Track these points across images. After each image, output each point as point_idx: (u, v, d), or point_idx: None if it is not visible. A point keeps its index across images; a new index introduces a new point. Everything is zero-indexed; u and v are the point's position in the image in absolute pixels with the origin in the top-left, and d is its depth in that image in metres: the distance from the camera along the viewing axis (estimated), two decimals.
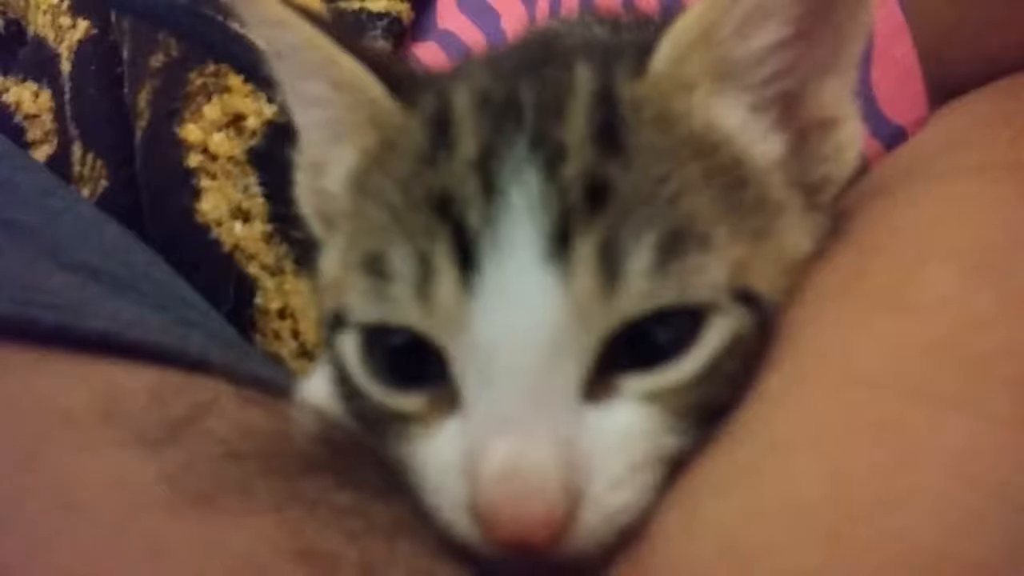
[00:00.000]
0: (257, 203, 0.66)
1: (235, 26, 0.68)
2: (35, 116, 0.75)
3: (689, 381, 0.33)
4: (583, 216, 0.32)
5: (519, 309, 0.32)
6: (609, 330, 0.33)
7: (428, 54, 0.73)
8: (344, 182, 0.41)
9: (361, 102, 0.40)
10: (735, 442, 0.33)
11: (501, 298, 0.32)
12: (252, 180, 0.66)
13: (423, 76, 0.42)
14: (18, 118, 0.75)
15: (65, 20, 0.75)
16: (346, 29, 0.43)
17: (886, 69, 0.53)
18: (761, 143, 0.38)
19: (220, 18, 0.68)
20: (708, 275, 0.33)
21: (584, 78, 0.36)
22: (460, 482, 0.32)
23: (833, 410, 0.31)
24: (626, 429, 0.33)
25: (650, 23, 0.52)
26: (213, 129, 0.66)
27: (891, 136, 0.52)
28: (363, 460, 0.35)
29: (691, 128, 0.36)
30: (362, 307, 0.36)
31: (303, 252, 0.66)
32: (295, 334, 0.64)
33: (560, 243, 0.32)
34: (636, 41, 0.42)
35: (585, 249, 0.32)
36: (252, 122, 0.66)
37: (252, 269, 0.65)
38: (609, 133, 0.34)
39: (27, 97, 0.75)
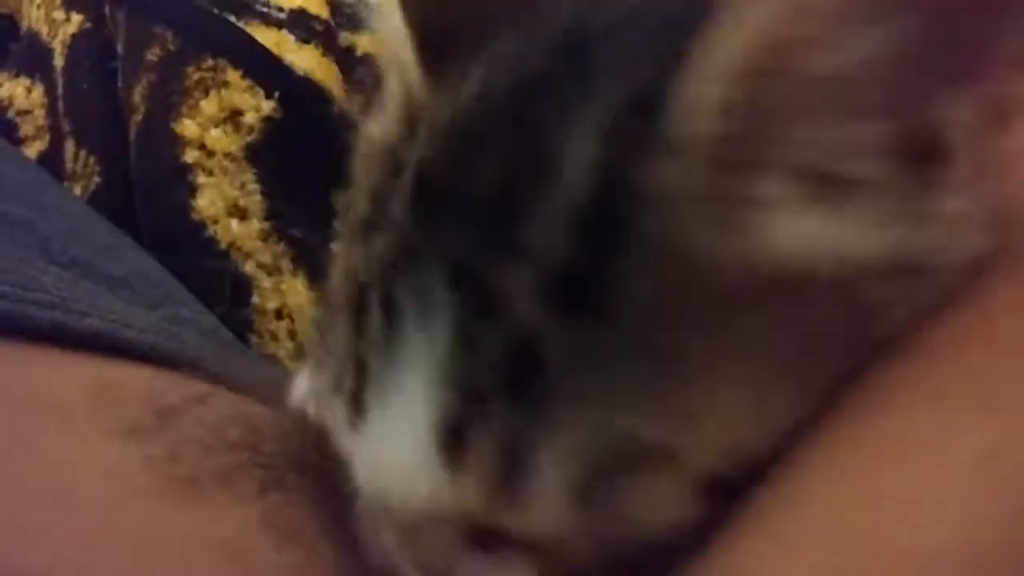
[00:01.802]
0: (254, 200, 0.65)
1: (232, 19, 0.67)
2: (28, 112, 0.74)
3: None
4: (493, 406, 0.23)
5: (396, 484, 0.25)
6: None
7: None
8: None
9: (394, 63, 0.30)
10: None
11: (379, 466, 0.26)
12: (249, 177, 0.65)
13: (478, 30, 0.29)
14: (10, 114, 0.74)
15: (59, 14, 0.74)
16: None
17: None
18: (853, 244, 0.24)
19: (217, 11, 0.67)
20: (661, 500, 0.24)
21: (573, 171, 0.24)
22: None
23: (844, 425, 0.30)
24: None
25: None
26: (210, 124, 0.65)
27: None
28: None
29: (717, 257, 0.24)
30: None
31: (301, 251, 0.65)
32: (292, 335, 0.63)
33: (456, 433, 0.24)
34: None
35: (481, 453, 0.24)
36: (250, 118, 0.65)
37: (249, 268, 0.64)
38: (575, 283, 0.23)
39: (20, 92, 0.74)
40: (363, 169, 0.32)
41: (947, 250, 0.26)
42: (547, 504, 0.24)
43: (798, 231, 0.24)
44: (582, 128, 0.24)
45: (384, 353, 0.25)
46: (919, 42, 0.23)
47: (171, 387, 0.35)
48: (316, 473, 0.33)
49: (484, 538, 0.26)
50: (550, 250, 0.24)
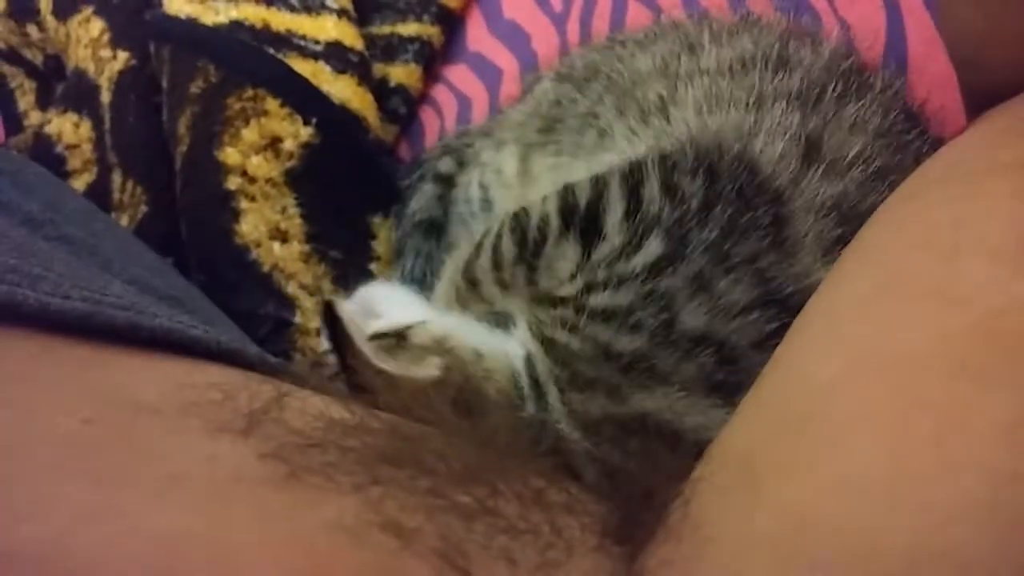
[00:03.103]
0: (295, 224, 0.67)
1: (271, 51, 0.70)
2: (75, 146, 0.77)
3: None
4: None
5: None
6: None
7: (459, 77, 0.75)
8: None
9: None
10: (795, 430, 0.34)
11: None
12: (290, 201, 0.68)
13: None
14: (59, 148, 0.77)
15: (105, 52, 0.77)
16: None
17: (924, 83, 0.54)
18: None
19: (256, 44, 0.70)
20: None
21: None
22: None
23: (883, 393, 0.32)
24: None
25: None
26: (251, 152, 0.67)
27: (934, 149, 0.52)
28: (440, 451, 0.36)
29: None
30: None
31: (340, 271, 0.68)
32: None
33: None
34: None
35: None
36: (289, 144, 0.68)
37: (291, 288, 0.67)
38: None
39: (68, 128, 0.77)
40: None
41: None
42: None
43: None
44: None
45: None
46: None
47: (244, 389, 0.36)
48: (409, 465, 0.34)
49: None
50: None
